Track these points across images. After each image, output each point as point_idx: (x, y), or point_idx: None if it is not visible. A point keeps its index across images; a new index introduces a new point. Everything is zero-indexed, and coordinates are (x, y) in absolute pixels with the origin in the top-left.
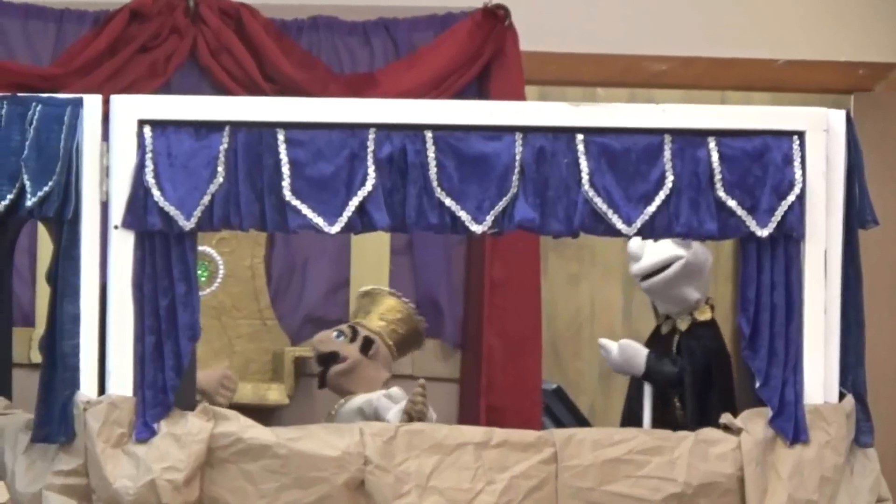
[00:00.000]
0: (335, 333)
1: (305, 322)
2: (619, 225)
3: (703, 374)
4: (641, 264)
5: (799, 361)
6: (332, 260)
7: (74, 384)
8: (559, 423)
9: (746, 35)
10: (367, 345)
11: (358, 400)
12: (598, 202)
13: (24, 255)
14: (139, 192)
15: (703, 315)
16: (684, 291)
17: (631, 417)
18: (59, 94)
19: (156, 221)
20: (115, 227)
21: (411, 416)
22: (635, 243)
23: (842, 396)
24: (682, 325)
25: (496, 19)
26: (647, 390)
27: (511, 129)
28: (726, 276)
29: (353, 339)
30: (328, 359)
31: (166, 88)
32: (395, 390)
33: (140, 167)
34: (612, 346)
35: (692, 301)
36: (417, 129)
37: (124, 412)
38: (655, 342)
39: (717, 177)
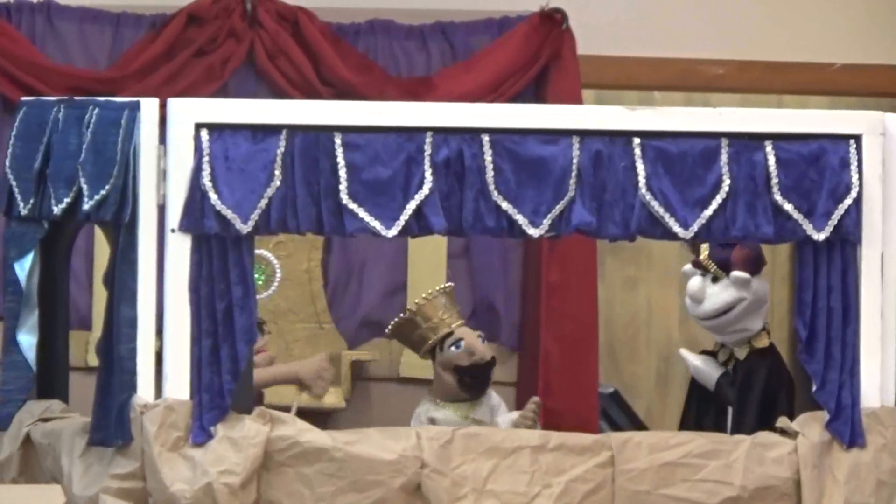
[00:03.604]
0: (481, 339)
1: (362, 325)
2: (676, 228)
3: (761, 405)
4: (705, 308)
5: (856, 365)
6: (389, 264)
7: (131, 387)
8: (616, 427)
9: (803, 39)
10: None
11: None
12: (655, 206)
13: (81, 259)
14: (196, 196)
15: (761, 342)
16: (747, 324)
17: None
18: (116, 98)
19: (213, 225)
20: (172, 231)
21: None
22: (695, 284)
23: None
24: (741, 353)
25: (553, 23)
26: (731, 412)
27: (568, 133)
28: (783, 280)
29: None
30: (490, 365)
31: (223, 92)
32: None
33: (197, 170)
34: (689, 363)
35: (754, 331)
36: (474, 133)
37: (181, 416)
38: None
39: (774, 180)
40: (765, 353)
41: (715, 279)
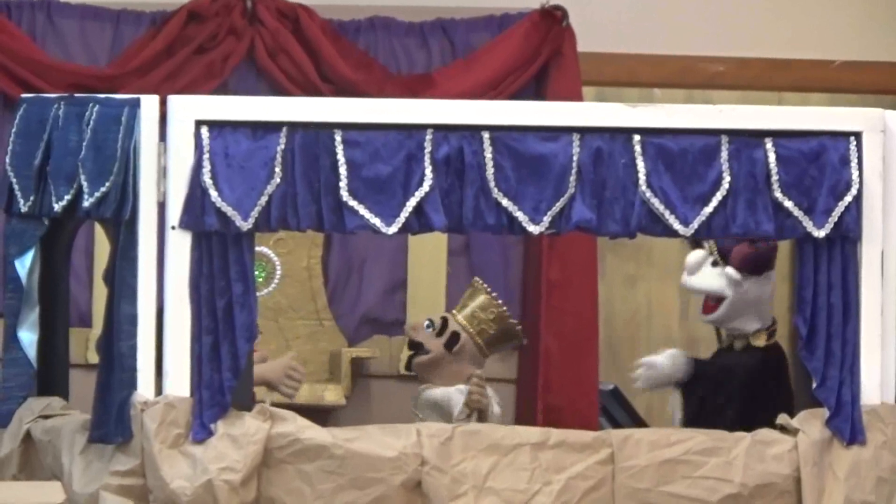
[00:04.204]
0: (426, 323)
1: (362, 323)
2: (677, 226)
3: (741, 396)
4: (692, 282)
5: (856, 362)
6: (389, 261)
7: (132, 385)
8: (616, 424)
9: (803, 36)
10: (452, 340)
11: (436, 392)
12: (655, 203)
13: (82, 256)
14: (196, 193)
15: (757, 341)
16: (739, 324)
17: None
18: (116, 95)
19: (213, 222)
20: (173, 228)
21: (471, 408)
22: (696, 256)
23: None
24: (738, 345)
25: (553, 20)
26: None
27: (568, 130)
28: (783, 277)
29: (440, 333)
30: (415, 347)
31: (223, 89)
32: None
33: (197, 167)
34: (657, 359)
35: (750, 331)
36: (475, 130)
37: (181, 413)
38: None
39: (774, 177)
40: (766, 350)
41: (715, 262)
